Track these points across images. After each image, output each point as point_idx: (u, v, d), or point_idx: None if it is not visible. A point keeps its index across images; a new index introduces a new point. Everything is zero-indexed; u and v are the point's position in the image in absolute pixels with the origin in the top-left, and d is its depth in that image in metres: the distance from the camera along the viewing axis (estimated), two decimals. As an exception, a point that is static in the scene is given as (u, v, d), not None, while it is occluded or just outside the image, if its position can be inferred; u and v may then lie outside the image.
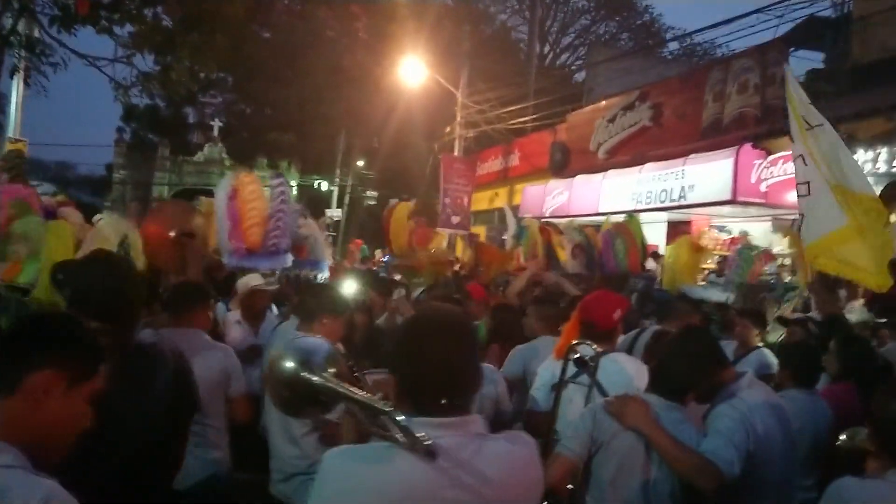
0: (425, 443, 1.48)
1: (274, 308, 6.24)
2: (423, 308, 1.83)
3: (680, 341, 2.98)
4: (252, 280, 5.52)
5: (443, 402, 1.56)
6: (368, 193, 33.56)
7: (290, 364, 1.70)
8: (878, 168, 9.59)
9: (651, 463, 2.73)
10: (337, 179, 32.50)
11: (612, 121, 14.78)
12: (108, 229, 4.12)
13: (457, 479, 1.50)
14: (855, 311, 7.93)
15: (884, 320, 6.59)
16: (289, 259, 7.22)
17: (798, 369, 3.79)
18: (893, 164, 9.37)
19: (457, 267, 10.99)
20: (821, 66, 12.77)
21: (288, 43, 27.73)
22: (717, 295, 8.37)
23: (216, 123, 33.04)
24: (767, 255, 9.12)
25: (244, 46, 26.40)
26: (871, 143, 9.30)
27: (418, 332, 1.66)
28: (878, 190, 9.80)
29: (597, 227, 9.98)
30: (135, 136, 35.84)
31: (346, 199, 32.32)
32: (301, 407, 1.80)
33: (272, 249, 6.83)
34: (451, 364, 1.58)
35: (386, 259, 10.60)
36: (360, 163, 33.04)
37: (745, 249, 8.89)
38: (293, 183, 33.15)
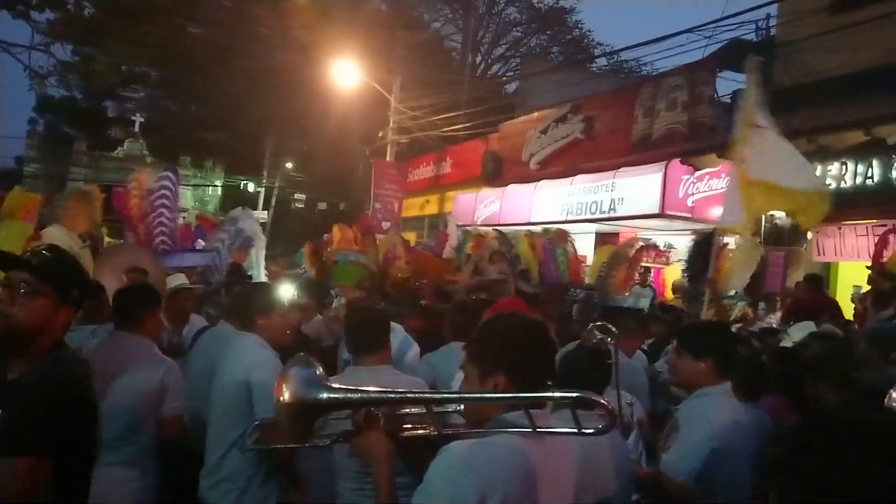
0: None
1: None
2: (520, 315, 2.16)
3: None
4: (176, 280, 5.26)
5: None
6: (297, 196, 32.99)
7: (318, 394, 1.76)
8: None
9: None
10: (264, 181, 31.81)
11: (544, 132, 14.95)
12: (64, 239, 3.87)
13: (553, 453, 1.83)
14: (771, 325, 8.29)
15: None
16: (205, 258, 7.02)
17: (741, 382, 3.84)
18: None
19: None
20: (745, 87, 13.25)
21: (219, 39, 26.99)
22: (631, 302, 8.60)
23: (137, 118, 31.85)
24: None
25: (177, 41, 25.66)
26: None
27: (528, 332, 1.92)
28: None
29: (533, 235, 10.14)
30: (49, 129, 34.13)
31: (273, 201, 31.67)
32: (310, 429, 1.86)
33: (162, 248, 6.63)
34: (549, 358, 1.96)
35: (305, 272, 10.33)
36: (289, 164, 32.46)
37: (558, 249, 9.29)
38: (218, 183, 32.32)
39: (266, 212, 30.06)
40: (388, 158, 21.15)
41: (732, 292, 7.89)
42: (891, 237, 7.99)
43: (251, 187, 32.59)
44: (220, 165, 32.58)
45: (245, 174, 32.35)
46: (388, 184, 20.02)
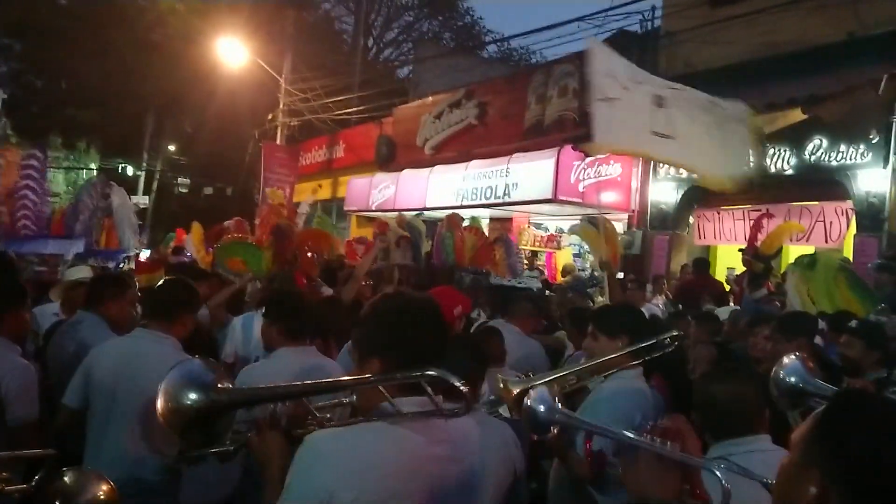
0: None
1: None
2: (400, 295, 2.06)
3: None
4: (79, 272, 4.88)
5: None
6: (180, 180, 31.50)
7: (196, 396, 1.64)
8: (681, 174, 10.48)
9: None
10: (144, 164, 30.16)
11: (438, 117, 14.94)
12: None
13: (442, 440, 1.68)
14: (658, 306, 8.66)
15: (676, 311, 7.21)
16: (76, 245, 6.58)
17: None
18: (680, 172, 10.31)
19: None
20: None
21: (89, 10, 25.23)
22: (525, 282, 8.79)
23: (-1, 95, 29.36)
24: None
25: (36, 9, 23.74)
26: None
27: (408, 314, 1.79)
28: (678, 195, 10.68)
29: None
30: None
31: (155, 186, 30.10)
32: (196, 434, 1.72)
33: (25, 233, 6.18)
34: (435, 341, 1.77)
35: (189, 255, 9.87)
36: (172, 147, 30.91)
37: (445, 233, 9.64)
38: (93, 165, 30.34)
39: (147, 197, 28.53)
40: (278, 141, 20.53)
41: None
42: (764, 221, 8.48)
43: (130, 171, 30.80)
44: (94, 147, 30.58)
45: (123, 156, 30.51)
46: (278, 168, 19.44)
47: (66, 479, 1.62)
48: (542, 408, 1.77)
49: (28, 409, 3.12)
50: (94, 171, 30.15)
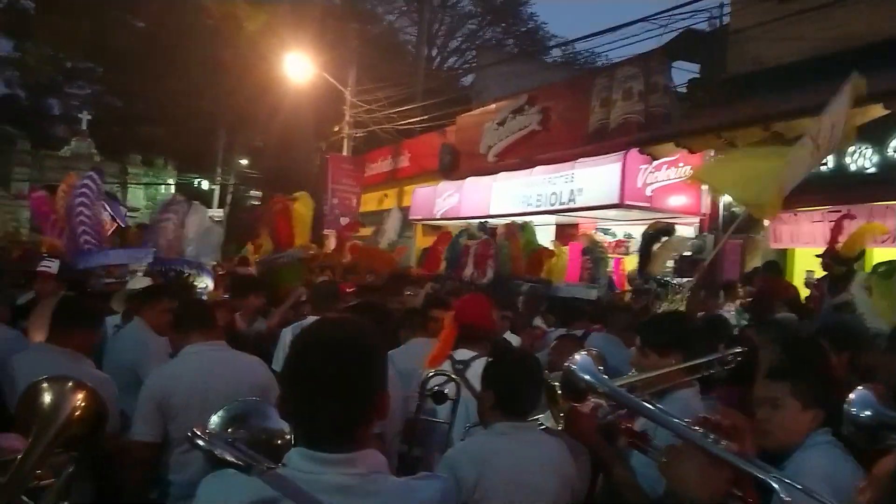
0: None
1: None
2: (313, 323, 1.52)
3: None
4: (139, 283, 5.02)
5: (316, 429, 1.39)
6: (252, 193, 32.39)
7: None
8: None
9: None
10: (218, 178, 31.14)
11: (501, 124, 14.86)
12: None
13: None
14: (730, 313, 8.33)
15: (747, 322, 6.89)
16: (142, 255, 6.79)
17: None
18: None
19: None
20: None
21: (165, 33, 26.26)
22: (584, 292, 8.60)
23: (84, 116, 30.82)
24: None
25: (114, 33, 24.86)
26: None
27: (302, 352, 1.45)
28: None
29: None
30: (-11, 128, 32.86)
31: (228, 199, 31.04)
32: None
33: (87, 247, 6.39)
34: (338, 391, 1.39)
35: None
36: (244, 161, 31.82)
37: (502, 242, 9.49)
38: (170, 181, 31.54)
39: (221, 210, 29.44)
40: (344, 153, 20.85)
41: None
42: (845, 223, 8.06)
43: (205, 185, 31.87)
44: (171, 163, 31.80)
45: (198, 172, 31.62)
46: (344, 179, 19.73)
47: (41, 397, 1.53)
48: (584, 375, 1.64)
49: (111, 423, 3.23)
50: (172, 187, 31.38)
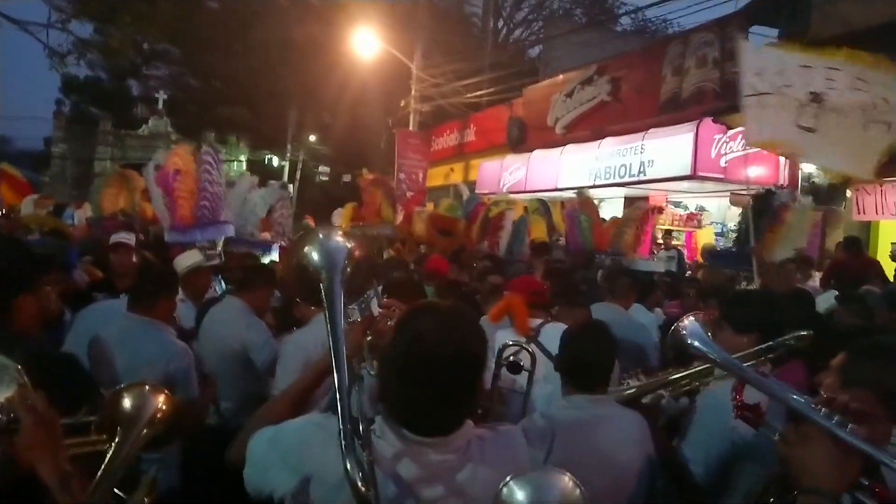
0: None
1: (223, 283, 5.92)
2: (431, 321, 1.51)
3: None
4: (189, 257, 5.15)
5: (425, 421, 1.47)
6: (321, 169, 32.90)
7: None
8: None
9: None
10: (288, 154, 31.75)
11: (569, 95, 14.59)
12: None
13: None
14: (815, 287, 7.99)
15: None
16: (228, 229, 7.03)
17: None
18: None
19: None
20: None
21: (237, 13, 26.77)
22: (656, 266, 8.39)
23: (161, 96, 31.85)
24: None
25: (191, 16, 25.49)
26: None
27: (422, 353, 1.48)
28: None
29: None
30: (75, 109, 34.34)
31: (298, 175, 31.64)
32: None
33: (204, 221, 6.65)
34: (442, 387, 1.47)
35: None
36: (312, 137, 32.32)
37: (581, 215, 9.26)
38: (242, 158, 32.33)
39: (291, 185, 30.05)
40: (410, 128, 20.91)
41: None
42: (936, 192, 7.63)
43: (275, 161, 32.54)
44: (243, 141, 32.58)
45: (269, 148, 32.29)
46: (411, 153, 19.82)
47: (123, 401, 1.62)
48: (697, 343, 1.61)
49: (192, 390, 3.40)
50: (244, 164, 32.19)
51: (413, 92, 20.64)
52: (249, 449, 1.58)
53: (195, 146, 7.18)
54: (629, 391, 2.66)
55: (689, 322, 1.62)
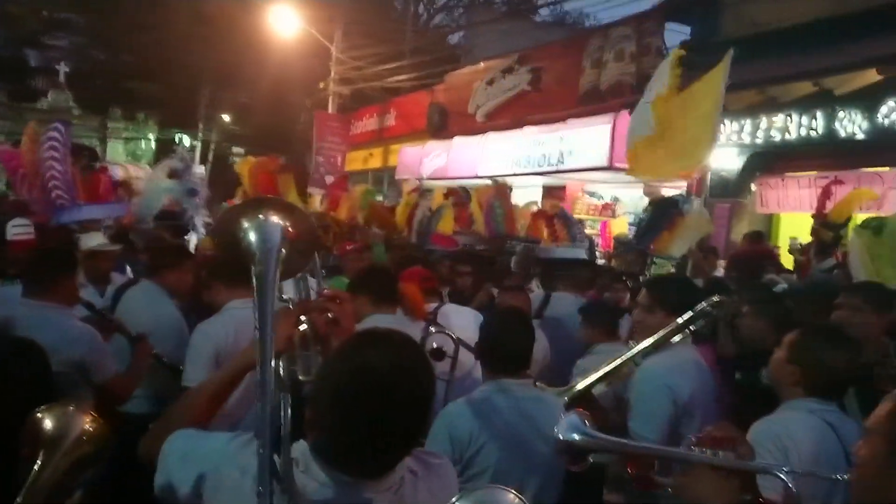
0: None
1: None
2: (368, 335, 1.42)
3: None
4: (92, 239, 4.89)
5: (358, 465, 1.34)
6: (235, 150, 31.96)
7: None
8: (743, 139, 10.09)
9: None
10: (200, 134, 30.67)
11: (490, 83, 14.70)
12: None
13: None
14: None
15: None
16: (117, 210, 6.72)
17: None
18: (756, 136, 9.88)
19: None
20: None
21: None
22: (571, 253, 8.60)
23: (62, 68, 30.08)
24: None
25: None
26: (738, 115, 9.75)
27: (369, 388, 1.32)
28: (741, 162, 10.30)
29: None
30: (-35, 79, 32.01)
31: (210, 156, 30.61)
32: None
33: (59, 202, 6.25)
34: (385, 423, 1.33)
35: None
36: (227, 117, 31.32)
37: (495, 203, 9.29)
38: (151, 136, 31.04)
39: (203, 166, 29.05)
40: (329, 110, 20.58)
41: None
42: (833, 188, 8.09)
43: (187, 141, 31.37)
44: (152, 118, 31.25)
45: (179, 127, 31.08)
46: (330, 136, 19.53)
47: (45, 422, 1.55)
48: (576, 436, 1.62)
49: (106, 371, 3.30)
50: (153, 142, 30.91)
51: (332, 74, 20.31)
52: (162, 456, 1.46)
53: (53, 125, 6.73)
54: (577, 389, 2.75)
55: (568, 420, 1.63)
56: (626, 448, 1.61)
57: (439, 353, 3.32)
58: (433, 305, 3.91)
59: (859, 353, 2.35)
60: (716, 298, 2.91)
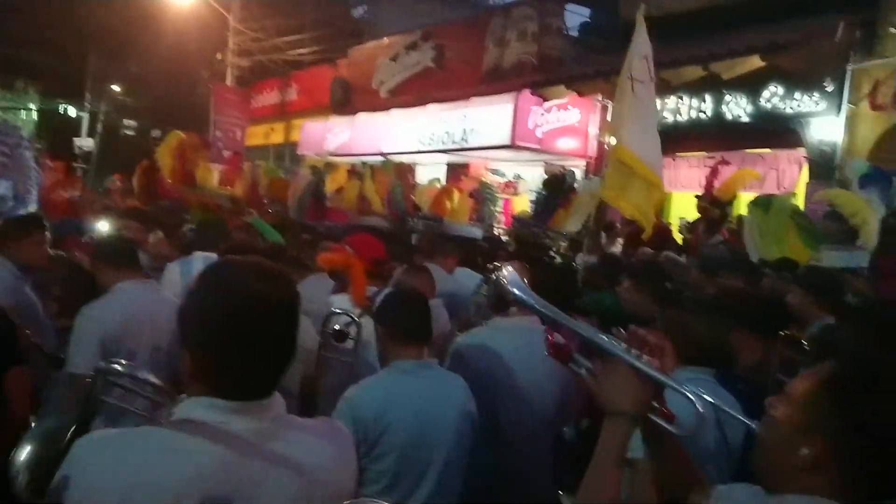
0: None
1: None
2: (232, 267, 1.40)
3: None
4: None
5: (248, 384, 1.32)
6: (126, 122, 30.38)
7: None
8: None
9: None
10: (88, 105, 28.94)
11: (394, 59, 14.59)
12: None
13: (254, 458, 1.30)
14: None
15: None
16: None
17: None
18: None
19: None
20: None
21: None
22: (470, 231, 8.73)
23: (-73, 30, 27.62)
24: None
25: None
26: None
27: (231, 301, 1.32)
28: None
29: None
30: None
31: (99, 128, 28.97)
32: None
33: None
34: (266, 342, 1.33)
35: None
36: (117, 88, 29.66)
37: (395, 182, 9.42)
38: (32, 106, 29.07)
39: (91, 139, 27.47)
40: (228, 83, 19.84)
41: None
42: (720, 168, 8.52)
43: (72, 112, 29.55)
44: (33, 87, 29.25)
45: (65, 97, 29.23)
46: (229, 110, 18.81)
47: None
48: (514, 289, 1.63)
49: None
50: (34, 112, 28.96)
51: (231, 45, 19.57)
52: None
53: None
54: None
55: (508, 272, 1.67)
56: (558, 318, 1.55)
57: (342, 335, 3.29)
58: (373, 290, 3.68)
59: (728, 323, 2.40)
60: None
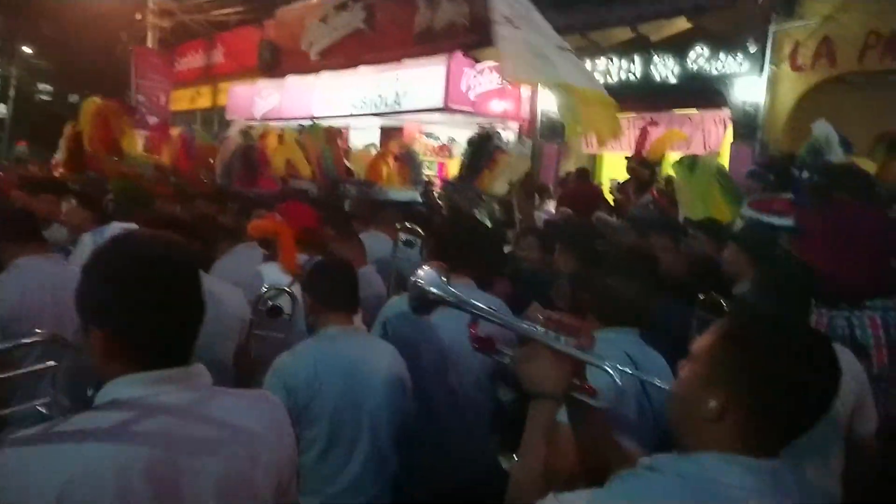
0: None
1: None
2: (131, 237, 1.41)
3: None
4: None
5: (164, 350, 1.31)
6: (41, 87, 28.85)
7: None
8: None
9: None
10: (-4, 68, 27.33)
11: (324, 20, 14.22)
12: None
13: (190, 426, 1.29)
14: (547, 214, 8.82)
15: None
16: None
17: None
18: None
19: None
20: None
21: None
22: (410, 195, 8.70)
23: None
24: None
25: None
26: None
27: (131, 270, 1.29)
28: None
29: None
30: None
31: (11, 93, 27.41)
32: None
33: None
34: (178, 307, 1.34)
35: None
36: (28, 50, 28.05)
37: (324, 147, 9.27)
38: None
39: (3, 104, 26.01)
40: (149, 45, 19.02)
41: None
42: (650, 129, 8.68)
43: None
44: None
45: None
46: (151, 73, 18.05)
47: None
48: (431, 288, 1.65)
49: None
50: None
51: (151, 4, 18.72)
52: None
53: None
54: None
55: (424, 272, 1.68)
56: (473, 308, 1.59)
57: (276, 311, 3.25)
58: (304, 258, 3.62)
59: (648, 282, 2.38)
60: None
